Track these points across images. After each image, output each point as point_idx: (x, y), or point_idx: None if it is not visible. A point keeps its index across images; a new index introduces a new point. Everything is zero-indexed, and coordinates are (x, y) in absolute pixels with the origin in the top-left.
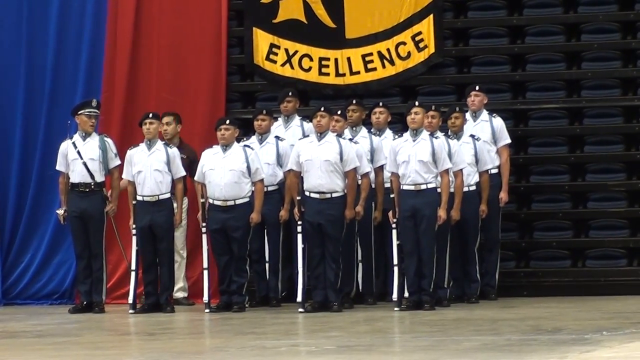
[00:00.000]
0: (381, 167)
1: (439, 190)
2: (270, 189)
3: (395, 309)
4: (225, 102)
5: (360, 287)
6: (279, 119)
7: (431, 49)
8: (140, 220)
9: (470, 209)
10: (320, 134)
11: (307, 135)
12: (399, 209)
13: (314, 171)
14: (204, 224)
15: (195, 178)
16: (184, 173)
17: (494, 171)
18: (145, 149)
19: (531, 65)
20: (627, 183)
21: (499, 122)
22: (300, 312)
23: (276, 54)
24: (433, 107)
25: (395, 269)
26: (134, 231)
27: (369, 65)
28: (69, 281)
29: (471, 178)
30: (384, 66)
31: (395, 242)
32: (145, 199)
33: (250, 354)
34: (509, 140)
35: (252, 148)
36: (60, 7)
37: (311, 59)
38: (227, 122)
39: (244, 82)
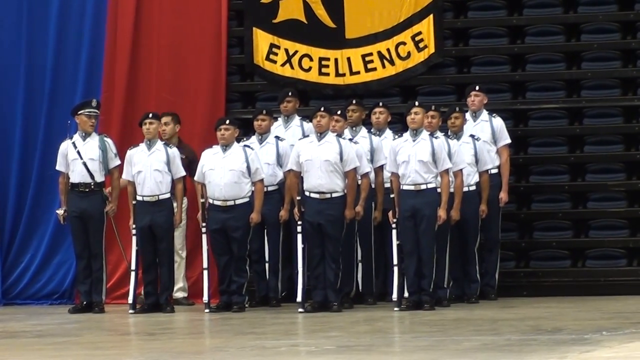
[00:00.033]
0: (381, 167)
1: (439, 190)
2: (270, 189)
3: (395, 309)
4: (225, 102)
5: (360, 287)
6: (279, 119)
7: (431, 49)
8: (140, 220)
9: (470, 209)
10: (320, 134)
11: (307, 135)
12: (399, 209)
13: (313, 171)
14: (203, 224)
15: (195, 178)
16: (183, 173)
17: (494, 171)
18: (145, 149)
19: (531, 65)
20: (627, 183)
21: (498, 122)
22: (300, 312)
23: (276, 54)
24: (433, 107)
25: (395, 269)
26: (133, 231)
27: (369, 65)
28: (69, 281)
29: (471, 178)
30: (383, 66)
31: (395, 242)
32: (145, 199)
33: (250, 354)
34: (508, 140)
35: (252, 148)
36: (60, 7)
37: (311, 59)
38: (227, 122)
39: (244, 82)
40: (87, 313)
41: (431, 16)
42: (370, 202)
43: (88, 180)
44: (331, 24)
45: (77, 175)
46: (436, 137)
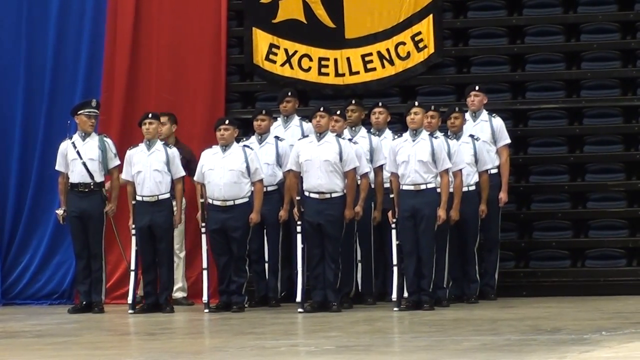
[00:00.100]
0: (380, 167)
1: (438, 190)
2: (269, 189)
3: (395, 309)
4: (225, 102)
5: (360, 287)
6: (279, 119)
7: (431, 49)
8: (140, 220)
9: (469, 209)
10: (320, 134)
11: (307, 136)
12: (399, 209)
13: (313, 171)
14: (203, 224)
15: (195, 178)
16: (183, 173)
17: (494, 171)
18: (145, 149)
19: (531, 65)
20: (627, 183)
21: (498, 122)
22: (300, 312)
23: (276, 54)
24: (432, 107)
25: (395, 269)
26: (133, 231)
27: (369, 65)
28: (69, 281)
29: (471, 178)
30: (383, 66)
31: (394, 242)
32: (145, 199)
33: (250, 354)
34: (508, 140)
35: (251, 148)
36: (59, 7)
37: (311, 59)
38: (227, 122)
39: (244, 82)
40: (87, 313)
41: (431, 16)
42: (369, 202)
43: (88, 180)
44: (331, 24)
45: (77, 175)
46: (436, 137)
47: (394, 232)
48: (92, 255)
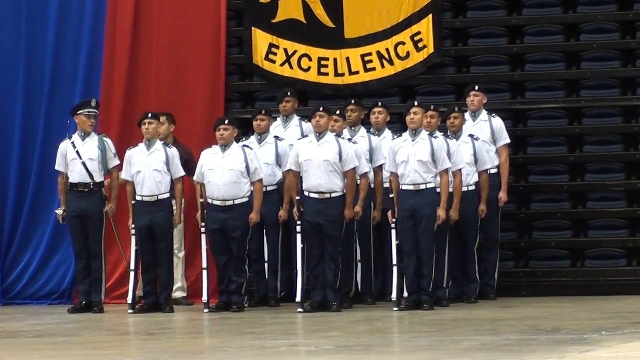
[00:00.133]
0: (380, 167)
1: (438, 190)
2: (269, 189)
3: (395, 309)
4: (225, 102)
5: (360, 287)
6: (278, 119)
7: (430, 49)
8: (140, 220)
9: (469, 209)
10: (320, 134)
11: (306, 136)
12: (399, 209)
13: (313, 171)
14: (203, 224)
15: (195, 178)
16: (183, 173)
17: (494, 171)
18: (145, 149)
19: (530, 65)
20: (627, 183)
21: (498, 122)
22: (300, 312)
23: (275, 54)
24: (432, 107)
25: (395, 269)
26: (133, 231)
27: (368, 65)
28: (68, 281)
29: (470, 178)
30: (383, 66)
31: (394, 242)
32: (145, 199)
33: (250, 354)
34: (508, 140)
35: (251, 148)
36: (59, 7)
37: (310, 59)
38: (226, 122)
39: (243, 82)
40: (87, 313)
41: (430, 16)
42: (369, 202)
43: (87, 180)
44: (330, 24)
45: (77, 176)
46: (435, 137)
47: (393, 232)
48: (92, 255)
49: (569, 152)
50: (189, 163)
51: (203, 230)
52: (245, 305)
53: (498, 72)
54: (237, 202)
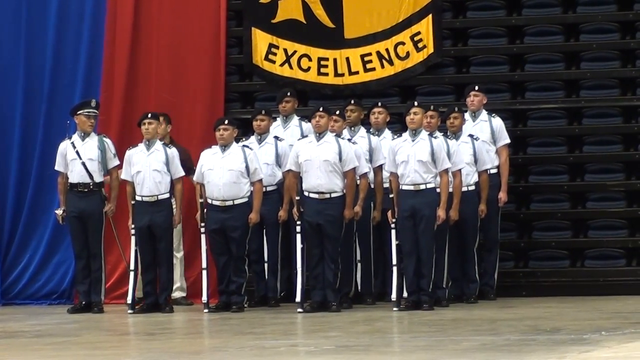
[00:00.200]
0: (380, 167)
1: (438, 190)
2: (269, 189)
3: (394, 309)
4: (224, 102)
5: (359, 287)
6: (278, 119)
7: (430, 49)
8: (139, 220)
9: (469, 209)
10: (319, 134)
11: (306, 136)
12: (398, 208)
13: (312, 171)
14: (202, 224)
15: (194, 178)
16: (183, 173)
17: (493, 171)
18: (144, 149)
19: (530, 65)
20: (626, 183)
21: (498, 122)
22: (299, 312)
23: (275, 54)
24: (432, 107)
25: (394, 269)
26: (132, 231)
27: (368, 66)
28: (68, 281)
29: (470, 178)
30: (382, 66)
31: (394, 242)
32: (144, 199)
33: (249, 354)
34: (508, 140)
35: (251, 148)
36: (59, 7)
37: (310, 59)
38: (226, 122)
39: (243, 82)
40: (86, 313)
41: (430, 16)
42: (369, 202)
43: (87, 180)
44: (330, 24)
45: (76, 176)
46: (435, 137)
47: (393, 232)
48: (92, 255)
49: (568, 152)
50: (186, 163)
51: (202, 230)
52: (245, 305)
53: (498, 72)
54: (236, 202)
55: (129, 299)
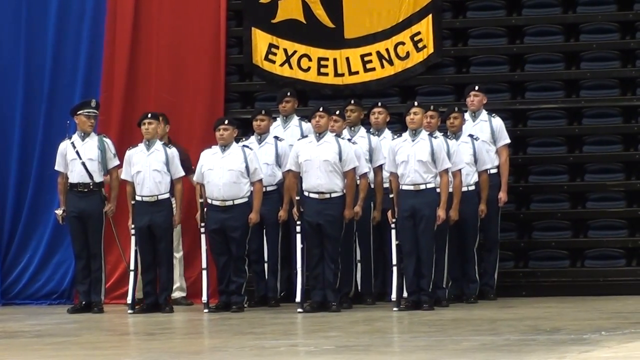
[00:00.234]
0: (380, 167)
1: (438, 190)
2: (269, 189)
3: (394, 309)
4: (224, 102)
5: (359, 287)
6: (278, 119)
7: (430, 49)
8: (139, 220)
9: (469, 209)
10: (319, 134)
11: (306, 136)
12: (398, 208)
13: (313, 171)
14: (202, 224)
15: (194, 178)
16: (183, 173)
17: (493, 171)
18: (144, 149)
19: (530, 65)
20: (626, 183)
21: (498, 122)
22: (299, 312)
23: (275, 54)
24: (432, 107)
25: (394, 269)
26: (132, 231)
27: (368, 66)
28: (68, 281)
29: (470, 178)
30: (382, 66)
31: (394, 242)
32: (144, 199)
33: (249, 354)
34: (508, 140)
35: (250, 148)
36: (59, 7)
37: (310, 59)
38: (226, 122)
39: (243, 82)
40: (86, 313)
41: (430, 16)
42: (369, 202)
43: (87, 180)
44: (330, 24)
45: (76, 176)
46: (435, 137)
47: (393, 232)
48: (92, 255)
49: (568, 152)
50: (185, 163)
51: (202, 230)
52: (245, 305)
53: (498, 72)
54: (236, 202)
55: (129, 299)
